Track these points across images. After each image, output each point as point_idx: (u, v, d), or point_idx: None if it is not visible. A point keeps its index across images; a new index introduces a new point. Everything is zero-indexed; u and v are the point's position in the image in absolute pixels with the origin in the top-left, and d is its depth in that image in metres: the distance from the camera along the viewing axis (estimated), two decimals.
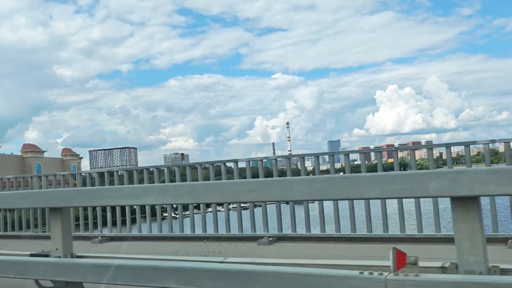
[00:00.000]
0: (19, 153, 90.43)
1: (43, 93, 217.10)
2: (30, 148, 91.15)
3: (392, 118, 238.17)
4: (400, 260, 2.59)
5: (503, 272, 2.81)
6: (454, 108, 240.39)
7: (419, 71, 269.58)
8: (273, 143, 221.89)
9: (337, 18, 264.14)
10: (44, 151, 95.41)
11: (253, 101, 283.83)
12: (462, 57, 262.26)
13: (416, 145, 8.83)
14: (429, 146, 7.22)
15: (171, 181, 8.66)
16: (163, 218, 8.80)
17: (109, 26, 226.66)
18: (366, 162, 7.19)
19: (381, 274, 2.61)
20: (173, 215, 9.14)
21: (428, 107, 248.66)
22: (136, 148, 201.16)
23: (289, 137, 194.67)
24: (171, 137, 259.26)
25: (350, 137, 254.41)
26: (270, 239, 7.07)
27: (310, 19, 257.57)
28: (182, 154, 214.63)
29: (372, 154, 8.33)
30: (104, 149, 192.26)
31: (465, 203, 2.75)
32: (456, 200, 2.78)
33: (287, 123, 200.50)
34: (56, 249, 4.19)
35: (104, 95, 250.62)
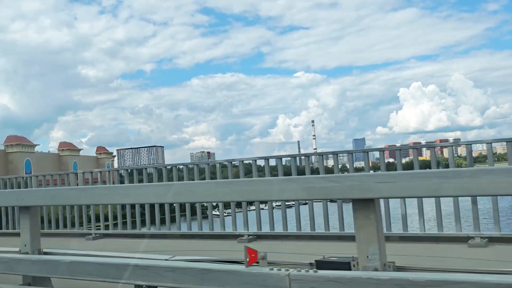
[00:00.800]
0: (53, 152, 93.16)
1: (68, 93, 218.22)
2: (67, 146, 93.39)
3: (416, 115, 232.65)
4: (252, 256, 2.83)
5: (399, 268, 2.95)
6: (479, 106, 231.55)
7: (443, 68, 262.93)
8: (298, 141, 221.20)
9: (360, 15, 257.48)
10: (80, 149, 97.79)
11: (275, 100, 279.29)
12: (488, 53, 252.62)
13: (417, 145, 8.60)
14: (431, 145, 7.45)
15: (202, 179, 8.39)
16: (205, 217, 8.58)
17: (133, 26, 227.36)
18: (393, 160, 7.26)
19: (287, 270, 2.82)
20: (214, 212, 8.90)
21: (453, 105, 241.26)
22: (163, 147, 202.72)
23: (314, 135, 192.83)
24: (193, 136, 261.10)
25: (373, 135, 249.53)
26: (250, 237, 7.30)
27: (333, 16, 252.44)
28: (208, 152, 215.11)
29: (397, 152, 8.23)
30: (131, 148, 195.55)
31: (363, 205, 2.93)
32: (355, 202, 2.98)
33: (312, 121, 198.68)
34: (25, 245, 4.40)
35: (128, 95, 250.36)
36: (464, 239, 5.91)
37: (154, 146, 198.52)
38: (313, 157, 9.37)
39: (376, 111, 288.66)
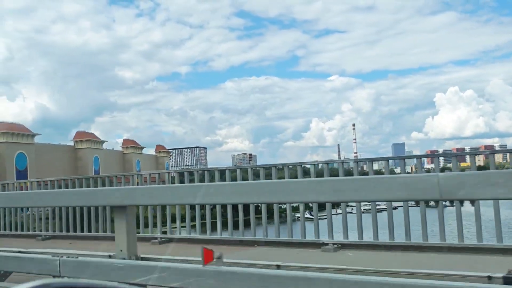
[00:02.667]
0: (117, 149, 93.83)
1: (105, 94, 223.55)
2: (130, 144, 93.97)
3: (453, 121, 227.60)
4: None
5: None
6: None
7: (481, 73, 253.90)
8: (338, 145, 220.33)
9: (397, 19, 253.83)
10: (143, 147, 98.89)
11: (309, 103, 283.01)
12: None
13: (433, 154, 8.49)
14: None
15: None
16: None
17: (169, 29, 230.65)
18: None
19: None
20: (307, 216, 8.43)
21: (491, 110, 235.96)
22: (206, 148, 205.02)
23: (355, 139, 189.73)
24: (227, 138, 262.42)
25: (408, 141, 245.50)
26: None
27: (369, 20, 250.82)
28: (250, 154, 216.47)
29: (441, 158, 7.89)
30: (174, 148, 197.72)
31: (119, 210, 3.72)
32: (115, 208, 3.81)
33: (353, 125, 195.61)
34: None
35: (163, 97, 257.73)
36: None
37: (197, 147, 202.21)
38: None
39: (412, 116, 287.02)
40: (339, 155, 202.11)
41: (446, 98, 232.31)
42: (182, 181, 9.22)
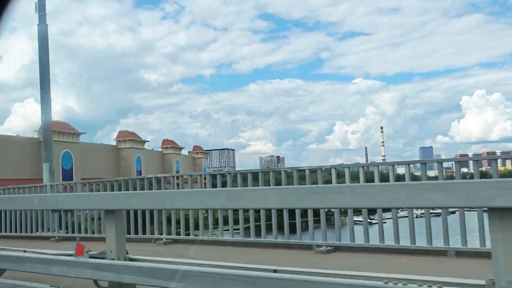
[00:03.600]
0: (156, 149, 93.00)
1: (130, 96, 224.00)
2: (170, 144, 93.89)
3: (479, 125, 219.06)
4: (79, 250, 4.38)
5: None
6: None
7: (509, 76, 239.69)
8: (365, 148, 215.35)
9: (423, 21, 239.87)
10: (181, 148, 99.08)
11: (333, 106, 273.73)
12: None
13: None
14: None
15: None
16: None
17: (194, 31, 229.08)
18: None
19: None
20: (370, 219, 8.20)
21: None
22: (234, 150, 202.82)
23: (383, 142, 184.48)
24: (250, 141, 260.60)
25: (433, 144, 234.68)
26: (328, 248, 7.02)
27: (394, 22, 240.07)
28: (278, 156, 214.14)
29: (470, 162, 8.02)
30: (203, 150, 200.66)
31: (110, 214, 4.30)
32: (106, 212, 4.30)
33: (381, 128, 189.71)
34: (111, 251, 4.35)
35: (187, 99, 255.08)
36: None
37: (226, 148, 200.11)
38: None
39: (437, 120, 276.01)
40: (366, 158, 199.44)
41: (473, 101, 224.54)
42: (214, 183, 9.45)
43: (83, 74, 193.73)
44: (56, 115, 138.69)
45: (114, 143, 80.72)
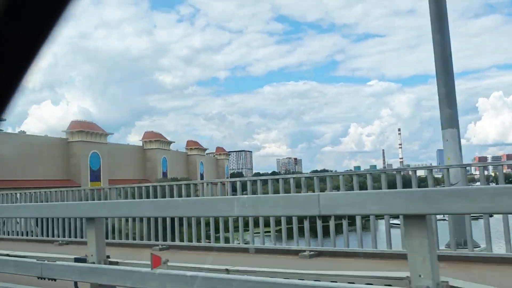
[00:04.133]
0: (181, 150, 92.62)
1: (145, 98, 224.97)
2: (194, 145, 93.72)
3: (496, 127, 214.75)
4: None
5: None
6: None
7: None
8: (383, 150, 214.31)
9: None
10: (206, 149, 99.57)
11: (348, 108, 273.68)
12: None
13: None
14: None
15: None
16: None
17: (209, 34, 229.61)
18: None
19: None
20: (392, 222, 8.01)
21: None
22: (251, 152, 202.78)
23: (400, 144, 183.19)
24: (264, 143, 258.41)
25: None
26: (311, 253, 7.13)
27: (410, 24, 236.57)
28: (295, 158, 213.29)
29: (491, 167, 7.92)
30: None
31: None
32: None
33: (399, 129, 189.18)
34: (92, 255, 4.66)
35: (201, 101, 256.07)
36: None
37: (243, 150, 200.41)
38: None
39: None
40: (384, 161, 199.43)
41: (490, 103, 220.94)
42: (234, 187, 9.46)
43: (99, 76, 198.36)
44: (73, 116, 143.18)
45: (139, 144, 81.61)
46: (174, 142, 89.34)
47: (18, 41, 0.51)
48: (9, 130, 58.24)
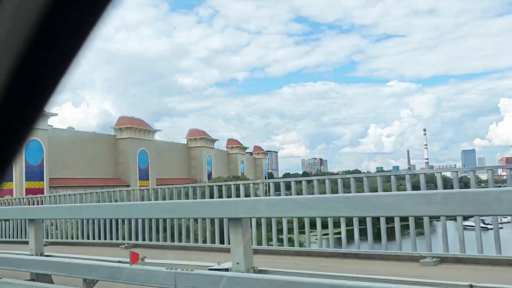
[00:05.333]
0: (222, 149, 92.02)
1: (165, 100, 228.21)
2: (235, 144, 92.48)
3: None
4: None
5: None
6: None
7: None
8: (407, 150, 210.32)
9: (459, 22, 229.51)
10: (246, 148, 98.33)
11: (367, 109, 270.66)
12: None
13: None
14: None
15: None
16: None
17: (228, 35, 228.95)
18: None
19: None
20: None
21: None
22: (277, 152, 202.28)
23: (426, 145, 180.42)
24: (283, 144, 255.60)
25: (470, 147, 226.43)
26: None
27: (430, 24, 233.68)
28: (321, 159, 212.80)
29: None
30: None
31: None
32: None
33: (424, 130, 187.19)
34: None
35: (220, 102, 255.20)
36: None
37: (269, 151, 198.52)
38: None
39: (474, 122, 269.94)
40: (408, 161, 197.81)
41: None
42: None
43: (119, 78, 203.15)
44: (94, 118, 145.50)
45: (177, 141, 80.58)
46: (218, 140, 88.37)
47: (61, 42, 0.54)
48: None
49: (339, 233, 7.99)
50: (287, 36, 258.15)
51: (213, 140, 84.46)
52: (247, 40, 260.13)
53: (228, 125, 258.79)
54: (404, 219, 7.08)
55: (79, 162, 57.39)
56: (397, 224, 7.23)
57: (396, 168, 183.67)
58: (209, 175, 78.83)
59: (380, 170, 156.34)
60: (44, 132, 52.02)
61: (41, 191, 50.10)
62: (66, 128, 62.57)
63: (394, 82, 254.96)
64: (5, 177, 0.64)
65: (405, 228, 7.34)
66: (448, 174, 9.67)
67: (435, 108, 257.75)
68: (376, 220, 7.51)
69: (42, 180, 51.66)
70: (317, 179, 8.45)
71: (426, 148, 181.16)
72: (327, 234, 8.07)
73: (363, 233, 7.76)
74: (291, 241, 8.62)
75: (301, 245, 8.66)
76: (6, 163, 0.61)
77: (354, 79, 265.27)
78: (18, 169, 49.13)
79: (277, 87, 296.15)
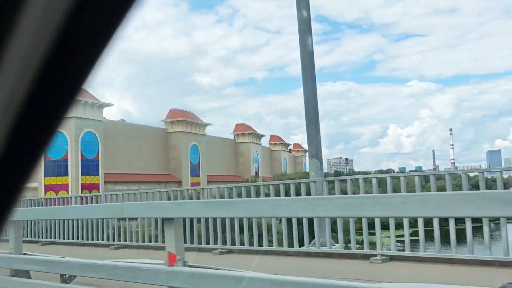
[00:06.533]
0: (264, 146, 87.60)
1: (183, 99, 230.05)
2: (278, 141, 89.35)
3: None
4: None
5: None
6: None
7: None
8: (433, 151, 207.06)
9: (481, 21, 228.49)
10: (288, 144, 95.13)
11: (386, 109, 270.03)
12: None
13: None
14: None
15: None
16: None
17: (247, 35, 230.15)
18: None
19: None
20: None
21: None
22: (306, 150, 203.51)
23: (452, 145, 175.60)
24: (302, 144, 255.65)
25: (491, 148, 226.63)
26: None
27: (451, 23, 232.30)
28: (346, 158, 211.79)
29: None
30: None
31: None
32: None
33: (450, 130, 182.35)
34: (11, 248, 5.55)
35: (239, 102, 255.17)
36: None
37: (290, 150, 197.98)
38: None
39: (495, 123, 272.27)
40: (434, 162, 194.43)
41: None
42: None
43: (138, 77, 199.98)
44: (113, 117, 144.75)
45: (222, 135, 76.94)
46: (264, 135, 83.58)
47: (87, 40, 0.56)
48: None
49: (402, 235, 7.75)
50: None
51: (260, 136, 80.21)
52: (267, 40, 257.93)
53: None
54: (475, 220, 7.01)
55: (132, 156, 52.78)
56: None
57: (419, 168, 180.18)
58: (256, 173, 73.99)
59: (402, 170, 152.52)
60: (99, 123, 46.98)
61: (96, 186, 45.36)
62: (118, 120, 57.30)
63: (414, 82, 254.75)
64: (35, 171, 0.61)
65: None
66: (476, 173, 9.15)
67: (455, 108, 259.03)
68: (443, 221, 7.29)
69: (98, 175, 46.53)
70: (350, 179, 8.29)
71: (452, 148, 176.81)
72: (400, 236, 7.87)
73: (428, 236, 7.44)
74: (372, 244, 8.07)
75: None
76: (33, 160, 0.61)
77: (374, 79, 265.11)
78: (74, 163, 43.98)
79: (296, 86, 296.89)
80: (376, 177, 7.79)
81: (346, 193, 7.96)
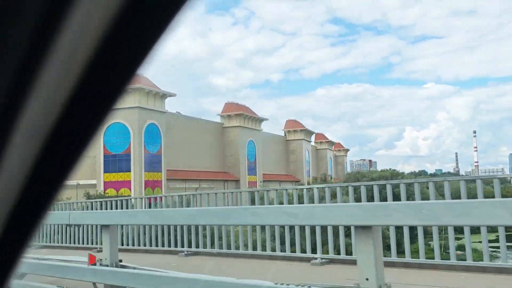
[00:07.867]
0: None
1: (199, 101, 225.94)
2: (323, 139, 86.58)
3: None
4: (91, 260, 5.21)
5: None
6: None
7: None
8: (456, 153, 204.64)
9: (501, 23, 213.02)
10: (334, 143, 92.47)
11: (402, 111, 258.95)
12: None
13: None
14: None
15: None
16: None
17: (263, 36, 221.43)
18: None
19: None
20: None
21: None
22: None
23: (476, 147, 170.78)
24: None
25: (510, 151, 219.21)
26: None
27: (470, 24, 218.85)
28: (370, 160, 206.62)
29: None
30: None
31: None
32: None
33: (474, 132, 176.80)
34: (105, 258, 5.17)
35: (254, 104, 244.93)
36: None
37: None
38: None
39: None
40: (457, 164, 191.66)
41: None
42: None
43: (154, 79, 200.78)
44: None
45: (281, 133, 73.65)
46: (315, 132, 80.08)
47: (132, 43, 0.58)
48: None
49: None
50: (323, 37, 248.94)
51: (311, 133, 76.96)
52: (283, 42, 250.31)
53: (262, 126, 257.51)
54: None
55: (190, 152, 49.52)
56: None
57: (439, 171, 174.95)
58: (307, 173, 70.52)
59: (438, 173, 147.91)
60: (162, 115, 43.69)
61: (158, 184, 42.05)
62: (175, 112, 54.10)
63: (431, 84, 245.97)
64: (75, 171, 0.63)
65: None
66: None
67: (473, 111, 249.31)
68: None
69: (160, 171, 43.21)
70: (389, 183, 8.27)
71: (476, 150, 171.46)
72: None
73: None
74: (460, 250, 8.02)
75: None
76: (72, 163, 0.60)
77: (390, 81, 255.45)
78: (137, 158, 40.60)
79: (312, 88, 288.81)
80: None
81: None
